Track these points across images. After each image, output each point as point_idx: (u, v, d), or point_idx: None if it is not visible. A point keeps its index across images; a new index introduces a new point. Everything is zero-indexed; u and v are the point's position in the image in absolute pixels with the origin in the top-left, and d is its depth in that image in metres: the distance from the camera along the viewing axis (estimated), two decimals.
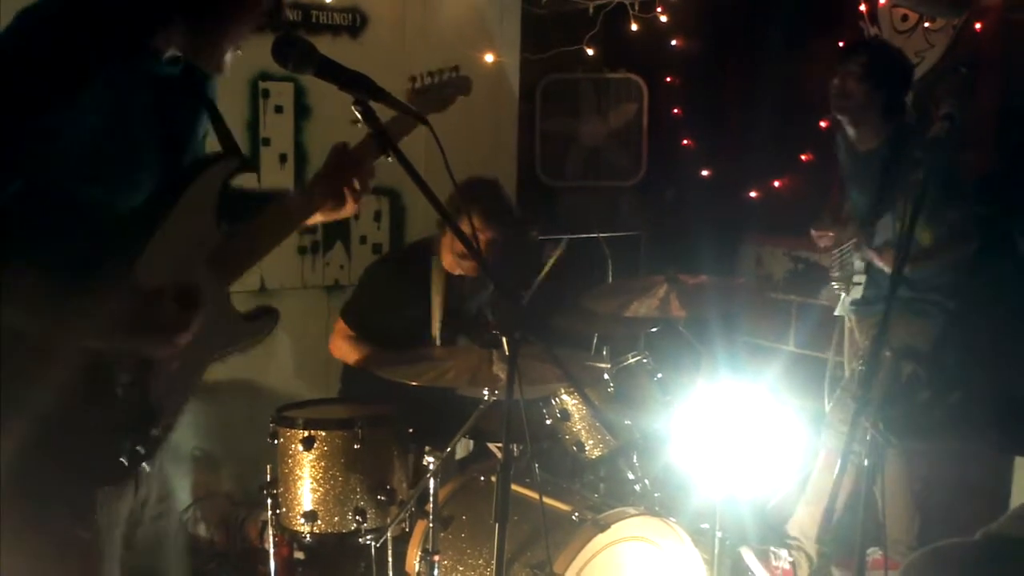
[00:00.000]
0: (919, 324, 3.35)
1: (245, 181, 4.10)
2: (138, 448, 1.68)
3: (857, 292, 3.50)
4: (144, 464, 1.71)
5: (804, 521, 3.64)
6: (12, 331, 1.54)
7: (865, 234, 3.39)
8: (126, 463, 1.66)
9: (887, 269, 3.29)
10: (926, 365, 3.29)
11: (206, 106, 1.88)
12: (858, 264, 3.48)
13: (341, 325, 3.54)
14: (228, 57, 1.79)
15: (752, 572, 3.54)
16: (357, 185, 1.99)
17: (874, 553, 3.41)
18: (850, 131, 3.53)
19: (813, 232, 3.67)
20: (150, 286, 1.65)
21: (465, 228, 3.09)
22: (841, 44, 4.40)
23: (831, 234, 3.60)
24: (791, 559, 3.57)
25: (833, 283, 3.66)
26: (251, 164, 1.95)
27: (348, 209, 2.04)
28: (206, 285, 1.77)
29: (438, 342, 3.51)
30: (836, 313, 3.73)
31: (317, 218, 2.05)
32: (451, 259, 3.47)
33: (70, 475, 1.63)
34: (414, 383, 2.68)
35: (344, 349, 3.52)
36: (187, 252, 1.77)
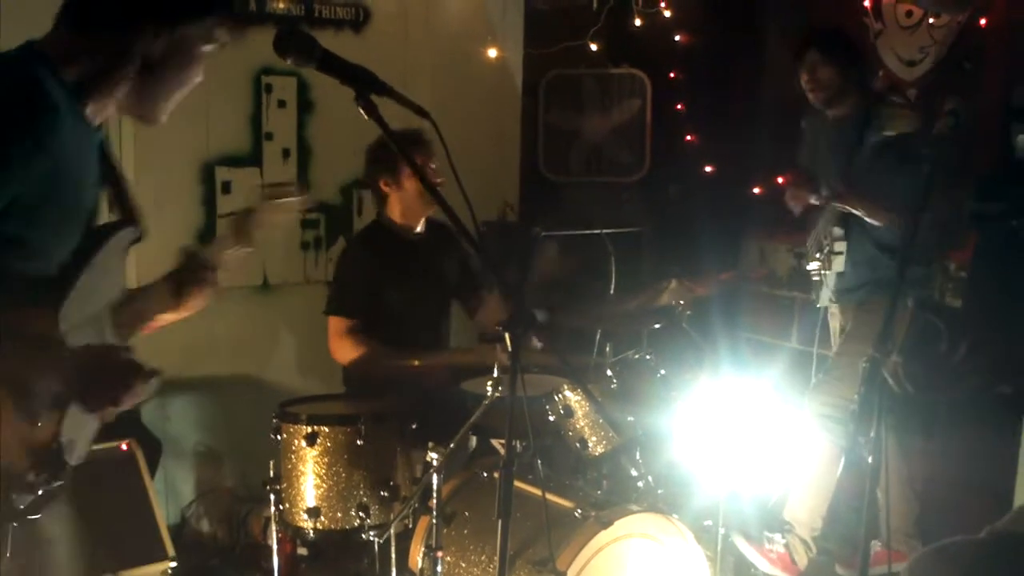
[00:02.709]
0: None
1: (248, 176, 4.15)
2: (50, 484, 1.65)
3: (839, 264, 3.51)
4: (54, 500, 1.69)
5: (795, 507, 3.64)
6: None
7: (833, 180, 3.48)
8: (38, 499, 1.64)
9: (857, 211, 3.41)
10: (944, 318, 3.31)
11: (111, 169, 1.90)
12: (837, 232, 3.51)
13: (334, 322, 3.47)
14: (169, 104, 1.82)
15: (747, 556, 3.55)
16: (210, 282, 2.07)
17: (875, 547, 3.42)
18: (829, 112, 3.66)
19: (788, 193, 3.75)
20: (73, 343, 1.68)
21: (408, 175, 3.38)
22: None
23: (804, 192, 3.64)
24: (784, 542, 3.57)
25: (811, 267, 3.68)
26: (146, 228, 1.98)
27: (193, 308, 2.09)
28: (112, 343, 1.83)
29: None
30: (819, 305, 3.72)
31: (163, 320, 2.09)
32: (407, 212, 3.51)
33: None
34: (416, 362, 2.66)
35: (346, 348, 3.45)
36: (98, 313, 1.81)
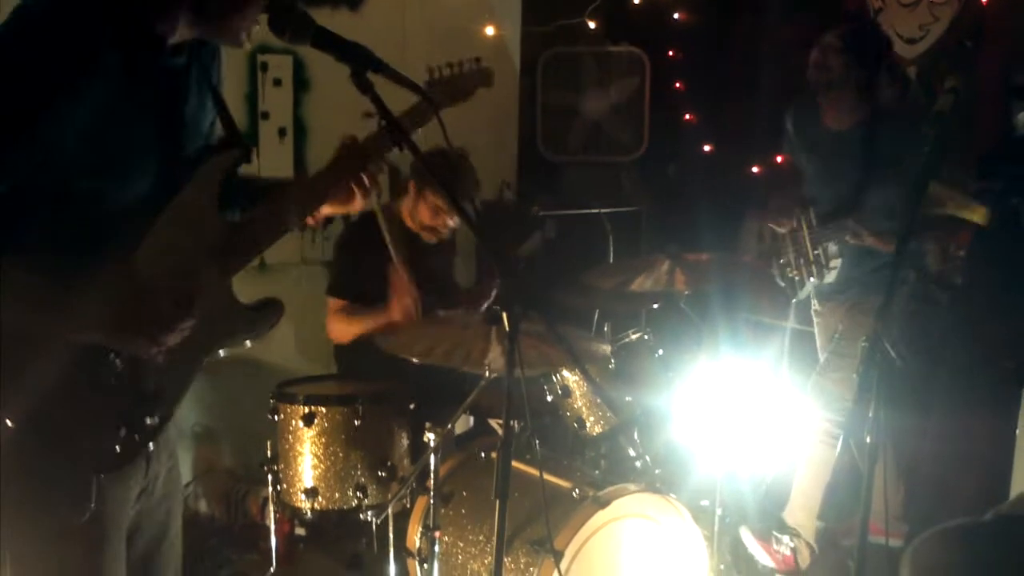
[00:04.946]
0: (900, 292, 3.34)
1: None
2: (134, 436, 1.67)
3: (832, 277, 3.47)
4: (142, 451, 1.71)
5: (798, 511, 3.62)
6: (3, 324, 1.53)
7: (853, 220, 3.34)
8: (120, 451, 1.65)
9: (886, 250, 3.26)
10: (945, 292, 3.30)
11: (212, 93, 1.85)
12: (833, 249, 3.44)
13: (332, 302, 3.51)
14: (247, 30, 1.77)
15: (752, 553, 3.54)
16: (366, 181, 1.95)
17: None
18: (825, 111, 3.49)
19: (772, 212, 3.62)
20: (150, 278, 1.64)
21: (416, 199, 3.43)
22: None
23: (794, 214, 3.55)
24: (792, 546, 3.56)
25: (785, 266, 3.62)
26: (250, 147, 1.89)
27: (356, 204, 1.99)
28: (207, 276, 1.77)
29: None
30: (799, 298, 3.66)
31: (324, 211, 2.01)
32: (412, 220, 3.54)
33: (67, 463, 1.63)
34: (415, 359, 2.65)
35: (341, 326, 3.48)
36: (187, 243, 1.75)
